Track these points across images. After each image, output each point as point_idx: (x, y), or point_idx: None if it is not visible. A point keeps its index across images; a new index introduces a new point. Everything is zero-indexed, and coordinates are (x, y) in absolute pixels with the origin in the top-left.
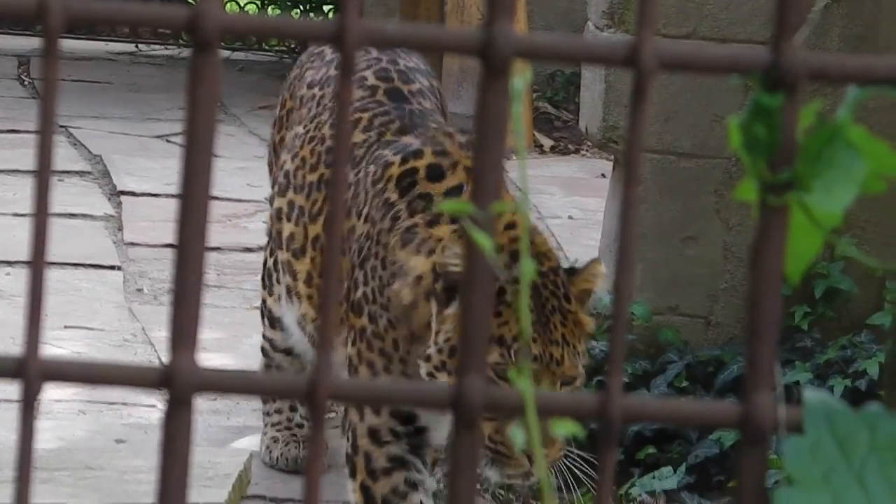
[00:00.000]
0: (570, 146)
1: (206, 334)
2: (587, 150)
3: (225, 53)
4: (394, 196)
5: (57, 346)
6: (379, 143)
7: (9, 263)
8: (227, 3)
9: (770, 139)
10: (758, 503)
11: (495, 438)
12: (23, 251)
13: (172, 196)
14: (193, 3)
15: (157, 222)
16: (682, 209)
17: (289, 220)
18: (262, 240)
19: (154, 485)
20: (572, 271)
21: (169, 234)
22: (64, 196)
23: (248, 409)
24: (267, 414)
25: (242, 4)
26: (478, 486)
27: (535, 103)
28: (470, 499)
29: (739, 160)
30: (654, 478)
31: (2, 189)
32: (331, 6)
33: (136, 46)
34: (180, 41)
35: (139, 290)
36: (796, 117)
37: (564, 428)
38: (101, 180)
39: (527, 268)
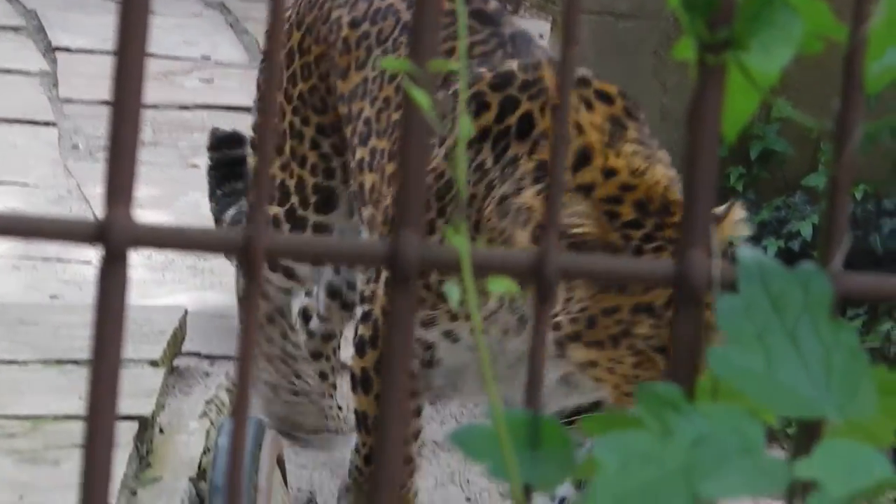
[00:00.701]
0: (508, 7)
1: (141, 191)
2: (525, 12)
3: None
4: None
5: None
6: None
7: None
8: None
9: None
10: (690, 361)
11: None
12: None
13: (108, 53)
14: None
15: (92, 79)
16: (619, 70)
17: (371, 169)
18: (199, 98)
19: (88, 340)
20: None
21: (105, 90)
22: None
23: (184, 266)
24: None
25: None
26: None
27: None
28: (406, 355)
29: (678, 21)
30: None
31: None
32: None
33: None
34: None
35: (75, 147)
36: None
37: (500, 285)
38: (35, 36)
39: (465, 125)
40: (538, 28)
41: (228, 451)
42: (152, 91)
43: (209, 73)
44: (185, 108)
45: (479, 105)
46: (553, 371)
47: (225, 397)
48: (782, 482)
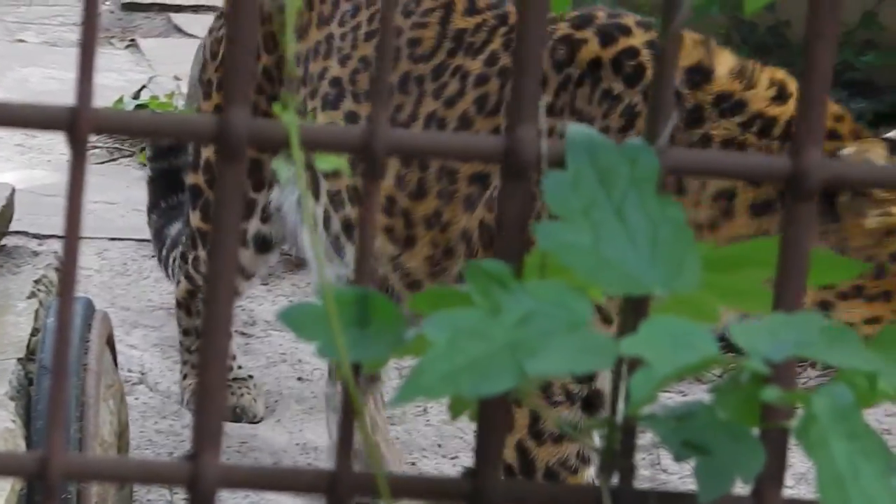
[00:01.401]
0: None
1: None
2: None
3: None
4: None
5: None
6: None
7: None
8: None
9: None
10: (519, 237)
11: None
12: None
13: None
14: None
15: None
16: None
17: None
18: None
19: None
20: None
21: None
22: None
23: (11, 144)
24: (188, 351)
25: None
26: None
27: None
28: (234, 230)
29: None
30: None
31: None
32: None
33: None
34: None
35: None
36: None
37: (329, 162)
38: None
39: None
40: None
41: (56, 331)
42: None
43: None
44: None
45: (573, 43)
46: None
47: (54, 277)
48: (608, 358)
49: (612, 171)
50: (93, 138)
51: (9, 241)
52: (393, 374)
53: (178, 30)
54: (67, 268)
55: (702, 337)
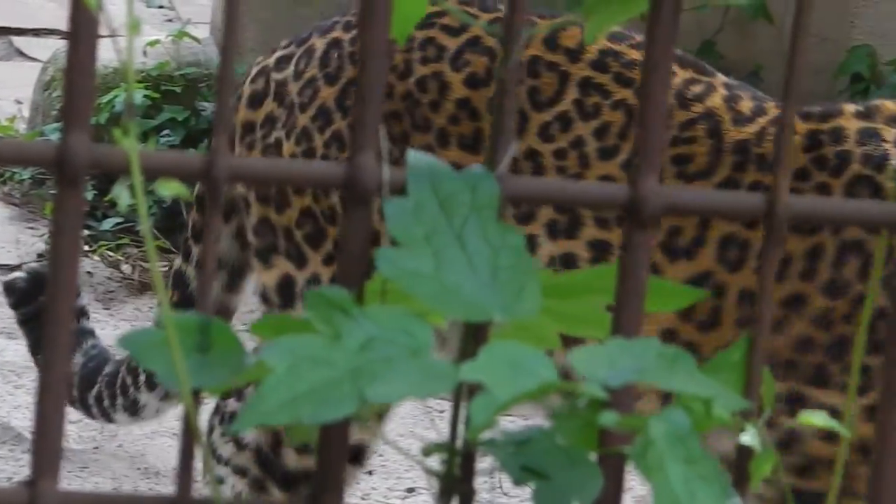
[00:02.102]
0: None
1: None
2: None
3: None
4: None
5: None
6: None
7: None
8: None
9: None
10: (360, 264)
11: None
12: None
13: None
14: None
15: None
16: None
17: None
18: None
19: None
20: None
21: None
22: None
23: None
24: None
25: None
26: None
27: None
28: (73, 259)
29: None
30: None
31: None
32: None
33: None
34: None
35: None
36: None
37: (170, 188)
38: None
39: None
40: None
41: None
42: None
43: None
44: None
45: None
46: None
47: None
48: (449, 384)
49: (453, 198)
50: None
51: None
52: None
53: (20, 53)
54: None
55: (541, 362)
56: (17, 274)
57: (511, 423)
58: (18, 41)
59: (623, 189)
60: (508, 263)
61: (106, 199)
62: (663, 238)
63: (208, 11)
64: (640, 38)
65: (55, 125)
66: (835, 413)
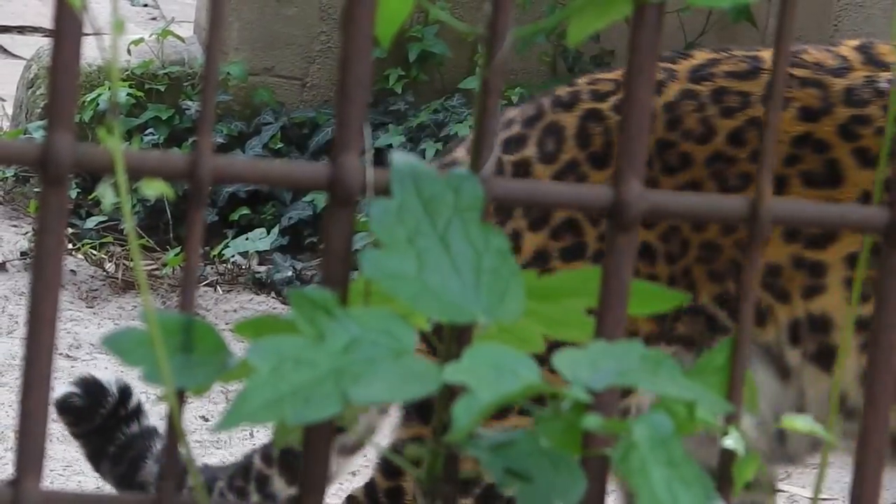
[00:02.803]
0: None
1: None
2: None
3: None
4: None
5: None
6: None
7: None
8: None
9: None
10: (344, 264)
11: None
12: None
13: None
14: None
15: None
16: None
17: None
18: None
19: None
20: None
21: None
22: None
23: None
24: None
25: None
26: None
27: None
28: (57, 257)
29: None
30: (247, 239)
31: None
32: None
33: None
34: None
35: None
36: None
37: (154, 188)
38: None
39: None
40: None
41: None
42: None
43: None
44: None
45: None
46: None
47: None
48: (432, 385)
49: (436, 199)
50: None
51: None
52: (219, 397)
53: (3, 50)
54: None
55: (525, 364)
56: (68, 390)
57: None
58: (2, 38)
59: (606, 192)
60: (492, 265)
61: (90, 197)
62: None
63: (192, 10)
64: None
65: (39, 123)
66: None
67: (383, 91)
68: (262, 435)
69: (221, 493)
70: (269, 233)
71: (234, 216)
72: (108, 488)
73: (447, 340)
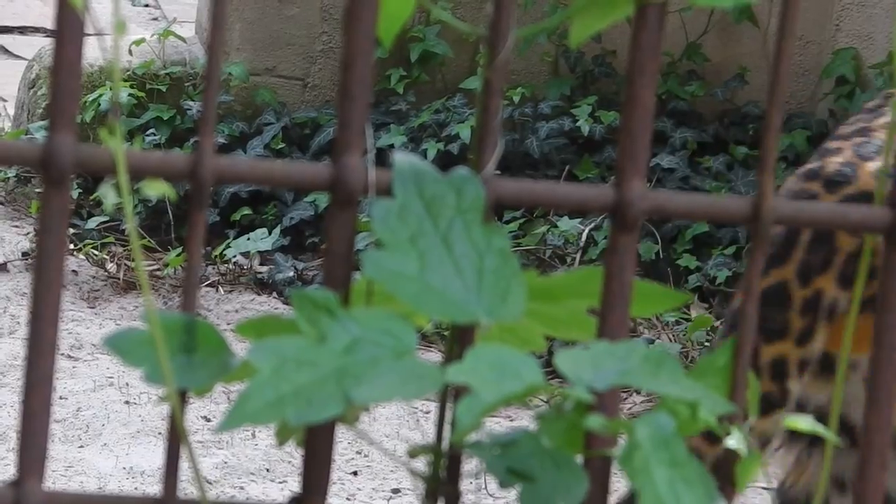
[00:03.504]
0: None
1: None
2: None
3: None
4: None
5: None
6: None
7: None
8: None
9: None
10: (346, 265)
11: None
12: None
13: None
14: None
15: None
16: None
17: None
18: None
19: None
20: None
21: None
22: None
23: None
24: None
25: None
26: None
27: None
28: (59, 258)
29: None
30: (248, 239)
31: None
32: None
33: None
34: None
35: None
36: None
37: (156, 188)
38: None
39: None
40: None
41: None
42: None
43: None
44: None
45: None
46: None
47: None
48: (434, 386)
49: (438, 200)
50: None
51: None
52: (221, 397)
53: (5, 51)
54: None
55: (527, 365)
56: None
57: (497, 424)
58: (4, 39)
59: (608, 192)
60: (493, 266)
61: (91, 197)
62: None
63: (193, 10)
64: None
65: (40, 123)
66: None
67: (385, 91)
68: (264, 435)
69: None
70: (270, 233)
71: (236, 216)
72: (110, 488)
73: (449, 341)
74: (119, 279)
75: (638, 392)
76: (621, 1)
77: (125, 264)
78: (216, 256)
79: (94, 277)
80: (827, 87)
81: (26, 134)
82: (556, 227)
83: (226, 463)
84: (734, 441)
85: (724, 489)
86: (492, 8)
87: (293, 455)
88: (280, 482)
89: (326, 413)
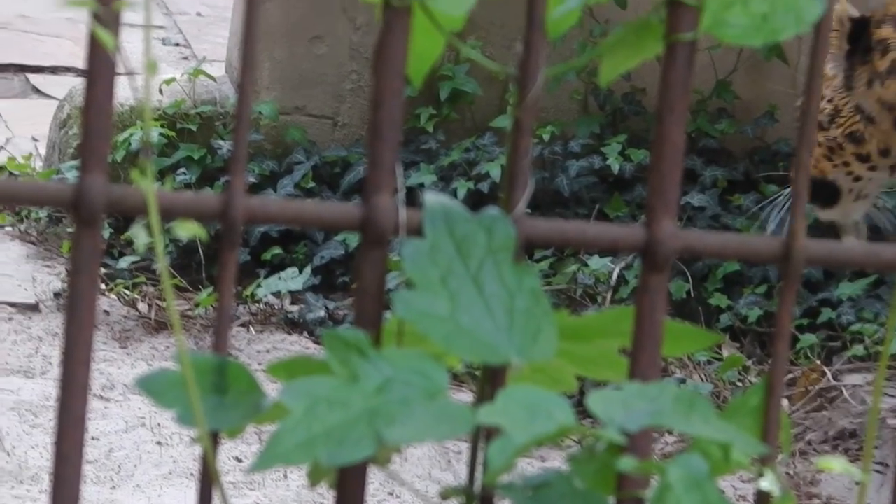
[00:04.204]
0: None
1: None
2: None
3: None
4: None
5: None
6: None
7: None
8: None
9: None
10: (377, 304)
11: None
12: None
13: None
14: None
15: None
16: (309, 7)
17: None
18: None
19: None
20: None
21: None
22: None
23: None
24: None
25: None
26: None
27: None
28: (91, 298)
29: None
30: (279, 278)
31: None
32: None
33: None
34: None
35: None
36: None
37: (187, 229)
38: None
39: None
40: None
41: None
42: None
43: None
44: None
45: None
46: None
47: None
48: (466, 427)
49: (469, 240)
50: None
51: None
52: (253, 438)
53: (37, 90)
54: None
55: (559, 405)
56: None
57: (529, 465)
58: (35, 79)
59: (639, 231)
60: (524, 306)
61: (123, 237)
62: None
63: (224, 50)
64: None
65: (71, 163)
66: None
67: (414, 129)
68: (295, 476)
69: None
70: (301, 272)
71: (267, 255)
72: None
73: (481, 382)
74: (150, 319)
75: (670, 432)
76: (651, 40)
77: (157, 304)
78: (247, 296)
79: (125, 317)
80: None
81: (57, 174)
82: (586, 265)
83: None
84: (767, 483)
85: None
86: (522, 47)
87: (325, 496)
88: None
89: (358, 454)
